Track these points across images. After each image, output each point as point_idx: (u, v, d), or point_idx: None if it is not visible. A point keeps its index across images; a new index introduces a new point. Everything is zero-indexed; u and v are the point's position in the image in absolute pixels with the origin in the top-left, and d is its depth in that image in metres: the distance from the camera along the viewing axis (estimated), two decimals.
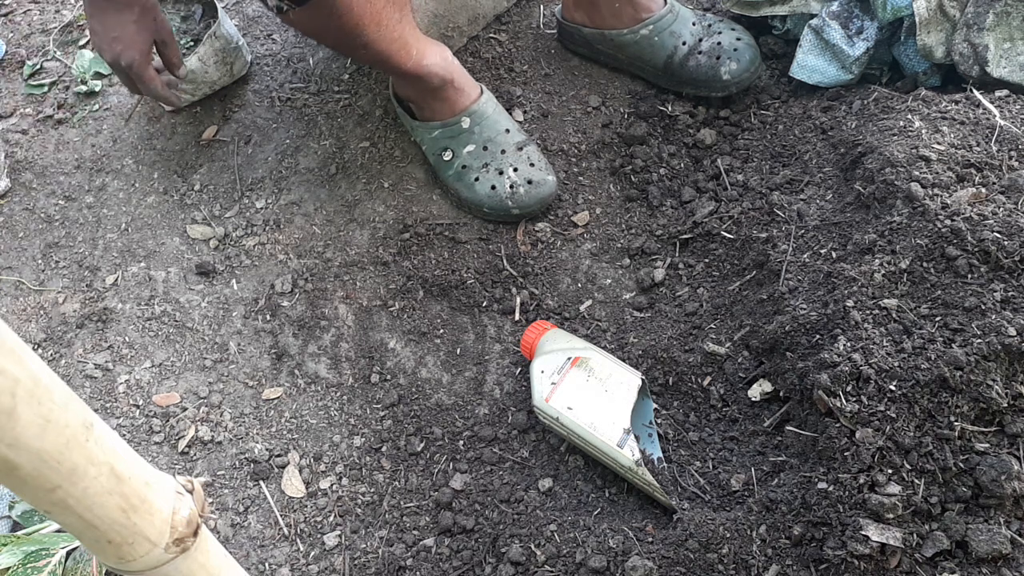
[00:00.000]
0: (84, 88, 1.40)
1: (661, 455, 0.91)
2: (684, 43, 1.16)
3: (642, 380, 0.93)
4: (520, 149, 1.13)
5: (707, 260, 1.07)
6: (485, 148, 1.13)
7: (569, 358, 0.95)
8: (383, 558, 0.93)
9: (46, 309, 1.18)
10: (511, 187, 1.11)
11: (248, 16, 1.44)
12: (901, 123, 0.98)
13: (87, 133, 1.36)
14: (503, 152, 1.13)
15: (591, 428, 0.90)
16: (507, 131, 1.14)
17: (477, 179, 1.13)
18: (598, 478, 0.94)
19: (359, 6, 0.94)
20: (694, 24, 1.18)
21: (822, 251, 0.94)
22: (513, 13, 1.34)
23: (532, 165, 1.12)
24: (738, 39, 1.15)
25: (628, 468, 0.87)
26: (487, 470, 0.97)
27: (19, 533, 0.88)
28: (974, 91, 1.00)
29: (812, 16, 1.14)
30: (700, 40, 1.17)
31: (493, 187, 1.11)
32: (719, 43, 1.15)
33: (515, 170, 1.11)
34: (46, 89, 1.43)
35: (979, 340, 0.75)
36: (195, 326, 1.14)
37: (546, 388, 0.93)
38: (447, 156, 1.14)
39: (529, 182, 1.11)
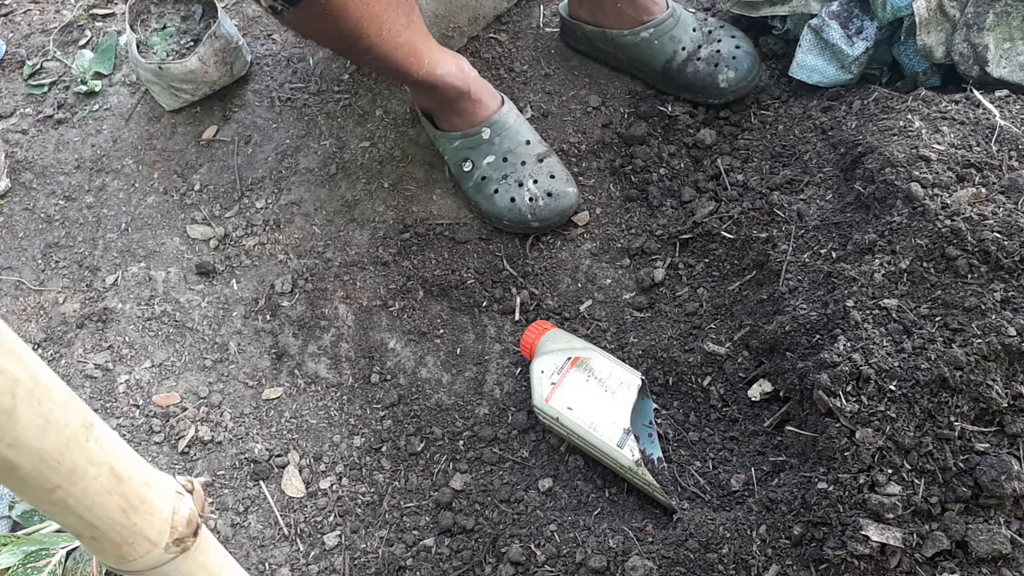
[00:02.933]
0: (84, 88, 1.40)
1: (661, 455, 0.91)
2: (683, 48, 1.16)
3: (642, 380, 0.93)
4: (540, 161, 1.12)
5: (707, 260, 1.07)
6: (505, 159, 1.12)
7: (569, 358, 0.95)
8: (383, 558, 0.93)
9: (46, 309, 1.18)
10: (530, 200, 1.10)
11: (248, 16, 1.44)
12: (901, 123, 0.98)
13: (87, 133, 1.36)
14: (523, 164, 1.12)
15: (591, 428, 0.90)
16: (528, 142, 1.13)
17: (496, 191, 1.11)
18: (598, 478, 0.94)
19: (355, 8, 0.90)
20: (694, 30, 1.18)
21: (822, 251, 0.94)
22: (513, 13, 1.34)
23: (552, 177, 1.11)
24: (737, 47, 1.15)
25: (628, 468, 0.87)
26: (487, 470, 0.97)
27: (19, 533, 0.88)
28: (974, 91, 1.00)
29: (812, 16, 1.14)
30: (699, 46, 1.17)
31: (512, 199, 1.10)
32: (718, 50, 1.15)
33: (535, 182, 1.10)
34: (46, 89, 1.43)
35: (979, 340, 0.75)
36: (195, 326, 1.14)
37: (546, 388, 0.93)
38: (467, 167, 1.13)
39: (549, 194, 1.10)
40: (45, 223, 1.27)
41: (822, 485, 0.76)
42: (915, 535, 0.71)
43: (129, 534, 0.49)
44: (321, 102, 1.31)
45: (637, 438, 0.89)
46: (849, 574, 0.72)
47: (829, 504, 0.74)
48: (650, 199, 1.15)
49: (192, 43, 1.36)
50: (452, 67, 1.07)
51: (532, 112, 1.23)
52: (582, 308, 1.09)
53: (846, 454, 0.75)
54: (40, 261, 1.23)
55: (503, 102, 1.13)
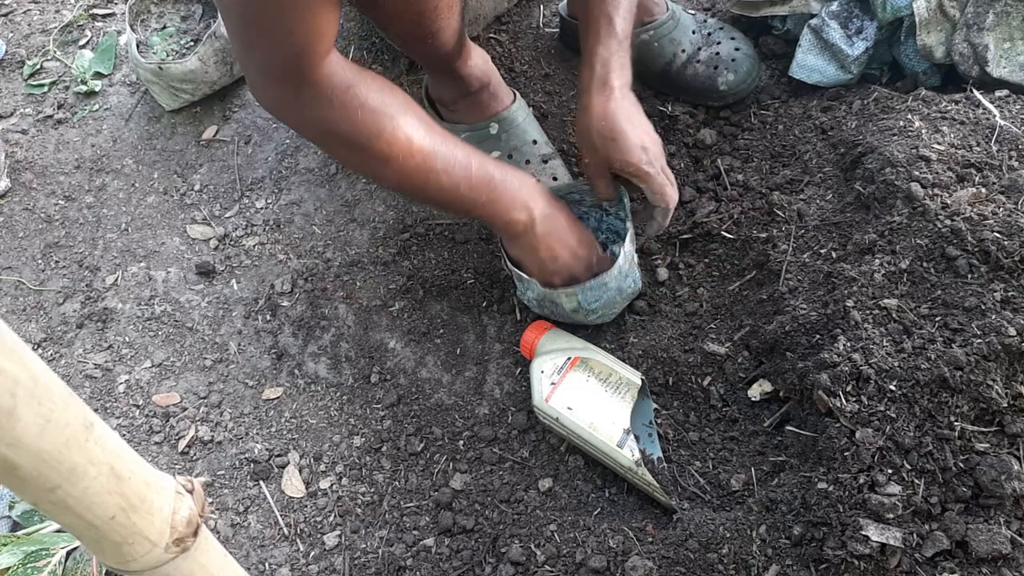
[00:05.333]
0: (84, 88, 1.40)
1: (661, 455, 0.91)
2: (683, 51, 1.16)
3: (642, 380, 0.93)
4: (545, 162, 1.12)
5: (707, 260, 1.07)
6: (510, 156, 1.12)
7: (569, 358, 0.95)
8: (383, 558, 0.93)
9: (46, 309, 1.18)
10: None
11: None
12: (901, 123, 0.98)
13: (87, 133, 1.36)
14: (527, 163, 1.11)
15: (591, 428, 0.90)
16: (534, 142, 1.13)
17: None
18: (598, 478, 0.94)
19: None
20: (694, 32, 1.18)
21: (822, 251, 0.94)
22: (513, 13, 1.34)
23: (555, 179, 1.11)
24: (736, 49, 1.15)
25: (628, 468, 0.87)
26: (487, 470, 0.97)
27: (19, 533, 0.88)
28: (974, 91, 1.00)
29: (812, 16, 1.14)
30: (699, 49, 1.17)
31: None
32: (717, 53, 1.15)
33: (537, 182, 1.11)
34: (46, 89, 1.43)
35: (979, 340, 0.75)
36: (195, 326, 1.14)
37: (546, 388, 0.93)
38: None
39: None
40: (45, 223, 1.27)
41: (822, 485, 0.76)
42: (915, 535, 0.71)
43: (129, 534, 0.49)
44: None
45: (637, 438, 0.90)
46: (849, 574, 0.72)
47: (829, 504, 0.74)
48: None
49: (192, 43, 1.36)
50: (480, 60, 1.09)
51: (533, 112, 1.23)
52: None
53: (846, 454, 0.75)
54: (40, 261, 1.23)
55: (515, 99, 1.14)
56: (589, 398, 0.92)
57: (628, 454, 0.87)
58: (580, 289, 0.94)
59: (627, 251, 0.94)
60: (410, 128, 0.83)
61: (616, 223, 1.05)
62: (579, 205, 1.07)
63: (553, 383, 0.93)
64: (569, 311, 0.98)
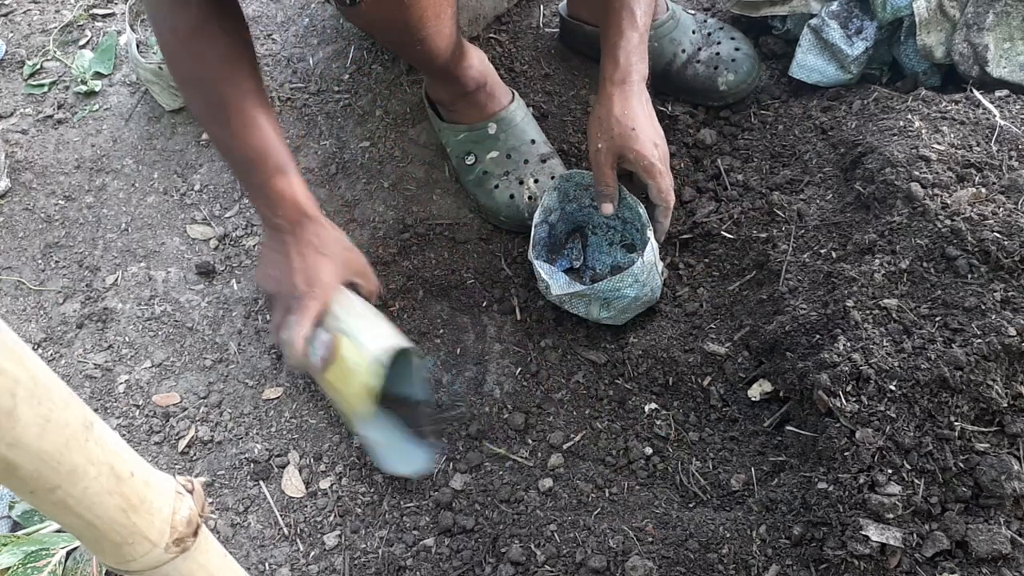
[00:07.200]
0: (84, 88, 1.40)
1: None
2: (683, 51, 1.16)
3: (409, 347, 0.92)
4: (544, 161, 1.12)
5: (707, 260, 1.07)
6: (509, 156, 1.12)
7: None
8: (383, 558, 0.93)
9: (46, 309, 1.18)
10: (529, 198, 1.10)
11: (248, 16, 1.44)
12: (901, 123, 0.98)
13: (87, 133, 1.36)
14: (526, 162, 1.12)
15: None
16: (533, 142, 1.13)
17: (497, 186, 1.12)
18: (599, 478, 0.94)
19: None
20: (694, 32, 1.18)
21: (822, 251, 0.94)
22: (513, 13, 1.34)
23: (553, 179, 1.12)
24: (736, 49, 1.15)
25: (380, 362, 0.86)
26: (487, 470, 0.97)
27: (19, 533, 0.88)
28: (974, 91, 1.00)
29: (812, 16, 1.14)
30: (699, 49, 1.17)
31: (512, 196, 1.10)
32: (717, 53, 1.16)
33: (536, 181, 1.11)
34: (46, 89, 1.43)
35: (979, 340, 0.75)
36: (195, 326, 1.14)
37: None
38: (470, 160, 1.14)
39: None
40: (45, 223, 1.27)
41: (822, 485, 0.76)
42: (915, 535, 0.71)
43: (129, 534, 0.49)
44: (321, 102, 1.31)
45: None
46: (849, 574, 0.72)
47: (829, 504, 0.74)
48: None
49: None
50: (476, 60, 1.09)
51: (532, 112, 1.23)
52: None
53: (846, 454, 0.75)
54: (40, 261, 1.23)
55: (513, 98, 1.14)
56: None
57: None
58: (591, 289, 0.96)
59: (646, 260, 0.95)
60: (221, 95, 0.89)
61: (633, 233, 1.07)
62: (580, 203, 1.08)
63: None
64: (582, 313, 1.00)
